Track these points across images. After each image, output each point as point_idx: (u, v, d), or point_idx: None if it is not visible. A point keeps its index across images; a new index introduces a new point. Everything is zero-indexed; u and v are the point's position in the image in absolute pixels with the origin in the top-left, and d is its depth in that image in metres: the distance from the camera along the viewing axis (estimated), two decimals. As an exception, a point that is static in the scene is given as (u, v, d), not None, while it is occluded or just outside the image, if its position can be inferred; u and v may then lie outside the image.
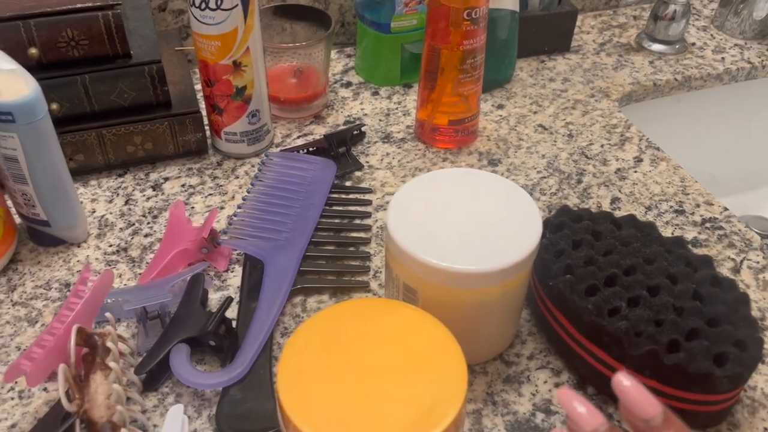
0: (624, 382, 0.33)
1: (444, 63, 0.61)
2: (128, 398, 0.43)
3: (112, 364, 0.41)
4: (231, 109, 0.61)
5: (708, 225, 0.59)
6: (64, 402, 0.39)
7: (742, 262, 0.55)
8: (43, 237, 0.55)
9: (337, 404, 0.36)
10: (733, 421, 0.44)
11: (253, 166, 0.64)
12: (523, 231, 0.43)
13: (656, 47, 0.83)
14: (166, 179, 0.62)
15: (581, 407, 0.33)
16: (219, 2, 0.55)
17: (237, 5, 0.56)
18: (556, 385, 0.46)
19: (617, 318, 0.42)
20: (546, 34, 0.80)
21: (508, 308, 0.45)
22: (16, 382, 0.46)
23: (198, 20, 0.57)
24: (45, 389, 0.45)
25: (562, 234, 0.48)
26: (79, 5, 0.55)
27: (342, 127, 0.69)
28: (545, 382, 0.46)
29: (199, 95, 0.68)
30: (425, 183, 0.47)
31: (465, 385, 0.36)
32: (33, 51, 0.55)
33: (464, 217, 0.44)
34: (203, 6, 0.55)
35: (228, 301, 0.47)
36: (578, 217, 0.50)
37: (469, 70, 0.62)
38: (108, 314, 0.44)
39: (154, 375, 0.46)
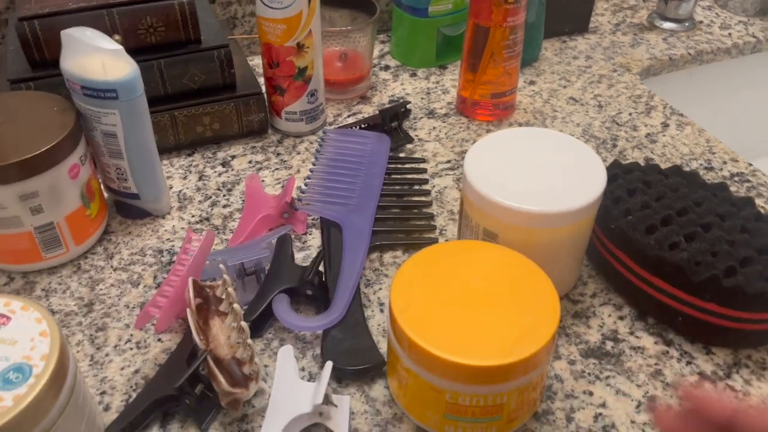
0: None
1: (490, 40, 0.66)
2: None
3: (235, 306, 0.45)
4: (292, 89, 0.66)
5: (737, 179, 0.64)
6: (197, 340, 0.43)
7: (770, 209, 0.61)
8: (131, 210, 0.59)
9: (446, 325, 0.41)
10: (780, 340, 0.50)
11: (311, 143, 0.69)
12: (590, 177, 0.48)
13: (668, 25, 0.88)
14: (233, 157, 0.67)
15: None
16: (287, -12, 0.60)
17: (303, -10, 0.60)
18: (620, 318, 0.51)
19: (678, 250, 0.48)
20: (566, 17, 0.86)
21: (576, 248, 0.50)
22: (131, 335, 0.50)
23: (266, 5, 0.61)
24: (159, 339, 0.50)
25: (617, 184, 0.54)
26: (157, -6, 0.59)
27: (388, 105, 0.74)
28: (609, 315, 0.52)
29: (259, 79, 0.72)
30: (495, 141, 0.52)
31: (558, 306, 0.42)
32: (117, 38, 0.59)
33: (535, 168, 0.50)
34: (272, -8, 0.60)
35: (321, 254, 0.52)
36: (629, 170, 0.55)
37: (512, 46, 0.67)
38: (221, 266, 0.48)
39: (258, 323, 0.50)
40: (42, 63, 0.59)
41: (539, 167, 0.50)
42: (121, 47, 0.51)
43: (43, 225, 0.52)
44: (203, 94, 0.65)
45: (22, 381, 0.34)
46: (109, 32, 0.59)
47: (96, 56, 0.50)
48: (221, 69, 0.64)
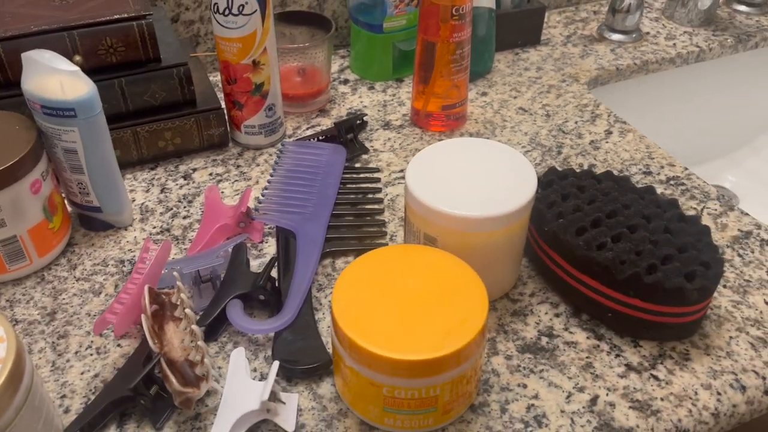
0: None
1: (438, 54, 0.69)
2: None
3: (187, 311, 0.48)
4: (250, 104, 0.69)
5: (672, 182, 0.68)
6: (151, 343, 0.46)
7: (702, 210, 0.65)
8: (94, 222, 0.62)
9: (382, 325, 0.44)
10: (703, 333, 0.53)
11: (270, 155, 0.72)
12: (522, 183, 0.52)
13: (616, 37, 0.93)
14: (195, 170, 0.70)
15: None
16: (241, 8, 0.63)
17: (256, 10, 0.63)
18: (556, 315, 0.55)
19: (604, 251, 0.51)
20: (519, 30, 0.90)
21: (511, 250, 0.53)
22: (92, 341, 0.52)
23: (221, 25, 0.64)
24: (119, 345, 0.52)
25: (552, 189, 0.57)
26: (116, 16, 0.62)
27: (345, 118, 0.77)
28: (546, 313, 0.55)
29: (219, 95, 0.75)
30: (435, 151, 0.55)
31: (487, 303, 0.45)
32: (77, 58, 0.62)
33: (470, 176, 0.53)
34: (227, 12, 0.63)
35: (273, 260, 0.55)
36: (564, 176, 0.59)
37: (459, 60, 0.70)
38: (175, 273, 0.51)
39: (213, 327, 0.53)
40: (5, 84, 0.62)
41: (474, 175, 0.53)
42: (78, 68, 0.54)
43: (7, 238, 0.54)
44: (164, 110, 0.68)
45: (-21, 383, 0.37)
46: (70, 53, 0.62)
47: (55, 77, 0.53)
48: (181, 86, 0.67)
